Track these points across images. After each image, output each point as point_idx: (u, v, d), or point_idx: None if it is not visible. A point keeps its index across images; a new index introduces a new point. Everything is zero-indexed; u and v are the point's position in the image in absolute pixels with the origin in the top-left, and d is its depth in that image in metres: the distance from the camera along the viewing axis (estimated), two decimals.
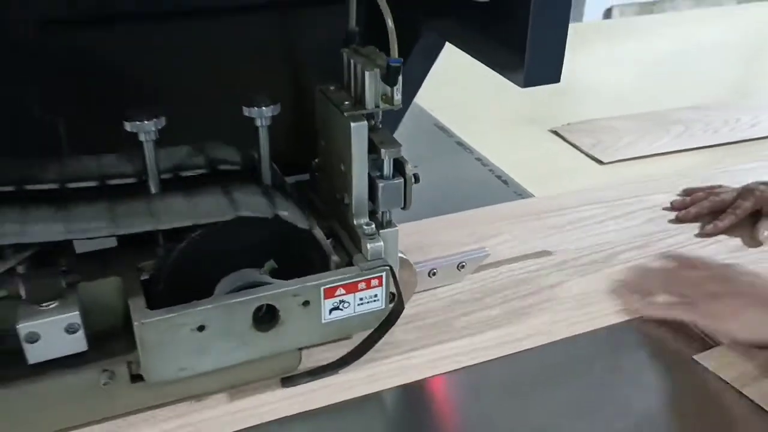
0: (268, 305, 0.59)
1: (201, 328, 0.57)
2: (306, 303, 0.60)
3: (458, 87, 1.28)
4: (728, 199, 0.89)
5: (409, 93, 0.77)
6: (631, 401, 0.64)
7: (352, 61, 0.63)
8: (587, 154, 1.08)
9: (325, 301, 0.61)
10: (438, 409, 0.65)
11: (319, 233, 0.62)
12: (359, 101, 0.62)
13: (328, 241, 0.64)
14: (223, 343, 0.58)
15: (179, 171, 0.63)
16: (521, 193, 0.97)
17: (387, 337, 0.66)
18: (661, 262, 0.81)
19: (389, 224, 0.65)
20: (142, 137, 0.58)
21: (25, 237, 0.53)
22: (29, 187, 0.59)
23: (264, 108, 0.61)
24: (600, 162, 1.06)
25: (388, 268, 0.62)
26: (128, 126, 0.57)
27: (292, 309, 0.59)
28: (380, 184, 0.62)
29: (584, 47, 1.54)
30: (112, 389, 0.58)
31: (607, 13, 2.57)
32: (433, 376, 0.66)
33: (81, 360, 0.57)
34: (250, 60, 0.74)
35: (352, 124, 0.60)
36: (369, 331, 0.65)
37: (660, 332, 0.72)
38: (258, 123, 0.62)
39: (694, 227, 0.88)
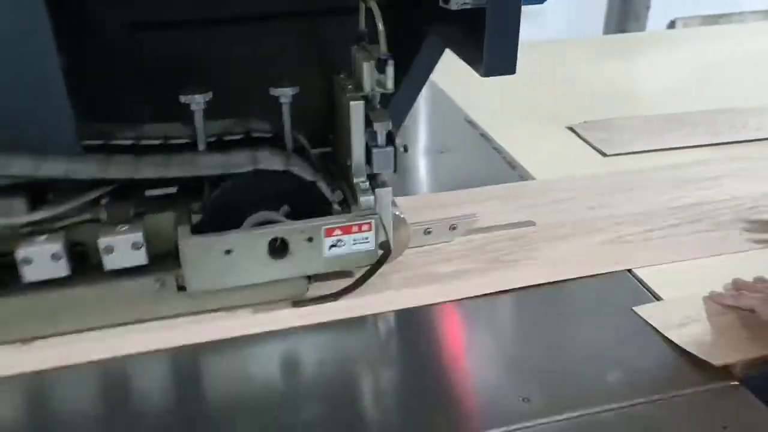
0: (282, 239, 0.77)
1: (228, 252, 0.75)
2: (310, 239, 0.77)
3: (509, 92, 1.42)
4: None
5: (417, 84, 0.94)
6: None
7: (357, 55, 0.80)
8: (594, 147, 1.21)
9: (326, 239, 0.78)
10: (420, 332, 0.81)
11: (323, 186, 0.79)
12: (360, 86, 0.79)
13: (335, 194, 0.82)
14: (246, 265, 0.77)
15: (223, 136, 0.81)
16: (525, 177, 1.11)
17: (380, 277, 0.83)
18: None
19: (383, 184, 0.82)
20: (193, 107, 0.77)
21: (107, 174, 0.73)
22: (115, 142, 0.79)
23: (287, 89, 0.79)
24: (603, 154, 1.19)
25: (377, 215, 0.79)
26: (182, 98, 0.76)
27: (299, 243, 0.77)
28: (374, 151, 0.79)
29: (635, 54, 1.65)
30: (163, 295, 0.77)
31: (671, 25, 2.64)
32: (420, 306, 0.82)
33: (142, 271, 0.76)
34: (287, 56, 0.92)
35: (351, 103, 0.77)
36: (364, 269, 0.82)
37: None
38: (282, 100, 0.80)
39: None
